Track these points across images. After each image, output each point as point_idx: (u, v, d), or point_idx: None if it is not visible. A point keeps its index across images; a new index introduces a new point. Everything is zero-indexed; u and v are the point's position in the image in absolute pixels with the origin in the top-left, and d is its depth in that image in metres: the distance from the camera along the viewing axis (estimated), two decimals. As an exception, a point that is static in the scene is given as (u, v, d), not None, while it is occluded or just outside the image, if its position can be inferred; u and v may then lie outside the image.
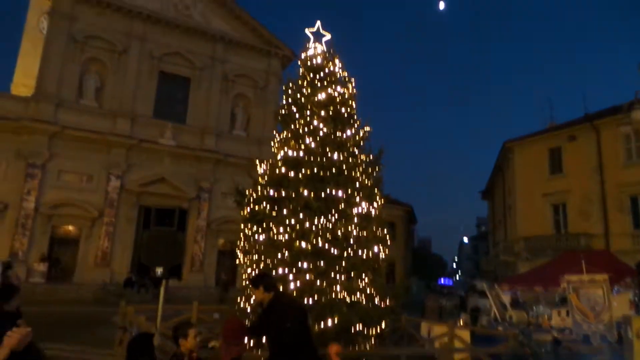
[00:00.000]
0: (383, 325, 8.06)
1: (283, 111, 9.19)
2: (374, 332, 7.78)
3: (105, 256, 25.13)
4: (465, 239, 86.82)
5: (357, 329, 7.39)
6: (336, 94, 8.91)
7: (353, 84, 9.41)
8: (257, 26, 32.83)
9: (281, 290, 5.52)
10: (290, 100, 9.12)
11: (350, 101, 9.15)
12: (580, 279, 7.60)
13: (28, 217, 23.38)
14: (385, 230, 8.68)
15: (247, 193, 8.62)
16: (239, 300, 7.88)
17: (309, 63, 9.28)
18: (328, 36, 9.63)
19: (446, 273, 70.71)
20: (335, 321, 7.10)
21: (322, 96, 8.75)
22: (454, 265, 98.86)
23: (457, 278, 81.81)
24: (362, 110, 9.72)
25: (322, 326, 7.03)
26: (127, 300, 11.86)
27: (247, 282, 4.72)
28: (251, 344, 6.65)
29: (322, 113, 8.60)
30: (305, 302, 7.13)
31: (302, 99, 8.92)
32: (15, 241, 22.87)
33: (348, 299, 7.56)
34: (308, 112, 8.68)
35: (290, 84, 9.30)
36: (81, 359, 9.35)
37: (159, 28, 29.28)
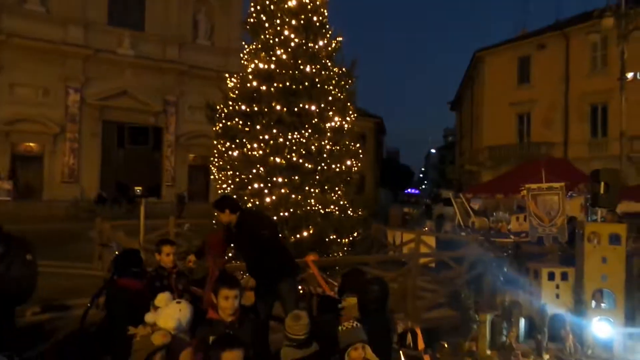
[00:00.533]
0: (355, 234, 8.51)
1: (251, 19, 8.68)
2: (346, 241, 8.23)
3: (73, 173, 24.61)
4: (433, 150, 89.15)
5: (331, 238, 7.79)
6: (307, 1, 8.42)
7: (325, -11, 8.87)
8: None
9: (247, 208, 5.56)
10: (258, 7, 8.57)
11: (321, 9, 8.69)
12: (539, 187, 8.05)
13: (-17, 135, 22.25)
14: (357, 144, 8.79)
15: (218, 108, 8.42)
16: (216, 214, 8.05)
17: (277, -35, 8.60)
18: None
19: (413, 183, 73.47)
20: (311, 232, 7.45)
21: (292, 3, 8.25)
22: (421, 175, 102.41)
23: (423, 187, 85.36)
24: (334, 19, 9.23)
25: (297, 237, 7.37)
26: (101, 216, 11.90)
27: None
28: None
29: (293, 22, 8.18)
30: (281, 214, 7.38)
31: (272, 5, 8.40)
32: (-26, 160, 21.97)
33: (322, 211, 7.85)
34: (278, 21, 8.24)
35: (258, -11, 8.68)
36: (61, 274, 9.55)
37: None
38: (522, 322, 2.98)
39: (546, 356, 2.78)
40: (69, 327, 6.17)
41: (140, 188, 4.07)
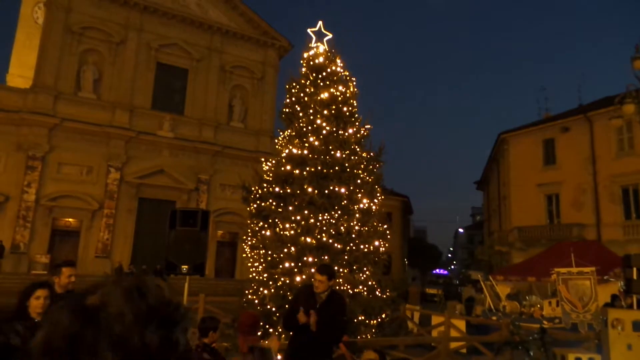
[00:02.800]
0: (383, 316, 8.48)
1: (287, 109, 9.48)
2: (375, 322, 8.20)
3: (106, 247, 25.42)
4: (461, 230, 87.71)
5: (359, 319, 7.80)
6: (338, 93, 9.22)
7: (354, 83, 9.70)
8: (254, 17, 32.82)
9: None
10: (293, 98, 9.41)
11: (351, 100, 9.46)
12: (569, 271, 8.04)
13: (29, 209, 23.58)
14: (385, 225, 9.06)
15: (253, 189, 8.95)
16: (246, 293, 8.27)
17: (311, 62, 9.56)
18: (329, 35, 9.89)
19: (441, 263, 71.58)
20: (339, 312, 7.49)
21: (324, 95, 9.04)
22: (449, 255, 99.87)
23: (452, 268, 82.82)
24: (362, 105, 9.99)
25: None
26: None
27: (318, 271, 4.66)
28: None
29: (325, 112, 8.91)
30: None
31: (305, 97, 9.22)
32: (17, 233, 23.10)
33: (350, 291, 7.96)
34: (311, 111, 8.99)
35: (294, 83, 9.58)
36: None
37: (156, 18, 29.25)
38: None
39: None
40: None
41: (186, 267, 4.42)
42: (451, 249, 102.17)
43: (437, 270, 54.75)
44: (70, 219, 25.42)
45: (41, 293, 3.32)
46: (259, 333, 4.22)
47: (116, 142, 26.53)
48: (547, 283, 14.46)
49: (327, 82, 9.29)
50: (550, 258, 14.62)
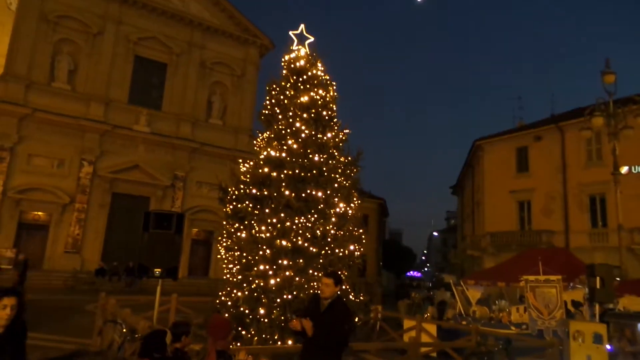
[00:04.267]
0: (356, 319, 8.55)
1: (266, 111, 9.45)
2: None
3: (76, 243, 24.79)
4: (435, 233, 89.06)
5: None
6: (318, 97, 9.25)
7: (334, 87, 9.75)
8: (236, 13, 32.54)
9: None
10: (273, 100, 9.39)
11: (331, 104, 9.50)
12: (536, 279, 8.32)
13: (-5, 201, 22.80)
14: (360, 229, 9.13)
15: (229, 190, 8.89)
16: (220, 294, 8.22)
17: (292, 65, 9.56)
18: (311, 39, 9.91)
19: (415, 265, 72.50)
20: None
21: (304, 99, 9.07)
22: (423, 258, 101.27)
23: (426, 270, 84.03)
24: (341, 113, 10.00)
25: (299, 320, 7.43)
26: (98, 289, 11.92)
27: (326, 275, 4.44)
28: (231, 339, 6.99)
29: (304, 115, 8.93)
30: (285, 297, 7.52)
31: (285, 100, 9.22)
32: (-19, 226, 22.29)
33: (324, 295, 7.98)
34: (290, 114, 9.00)
35: (274, 85, 9.56)
36: (60, 349, 9.46)
37: (135, 11, 28.67)
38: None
39: None
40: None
41: (159, 270, 4.33)
42: (425, 251, 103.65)
43: (411, 272, 55.46)
44: (39, 213, 24.68)
45: (7, 302, 3.02)
46: (229, 338, 4.16)
47: (90, 135, 25.88)
48: (516, 288, 14.85)
49: (308, 86, 9.31)
50: (519, 264, 14.99)
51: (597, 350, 3.12)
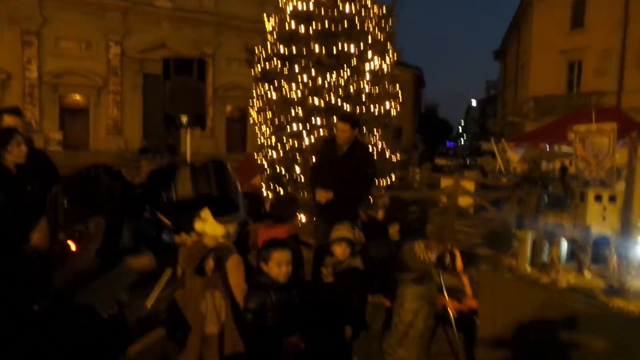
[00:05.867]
0: (393, 179, 8.52)
1: (289, -41, 8.42)
2: (384, 184, 8.25)
3: (117, 124, 25.52)
4: (474, 102, 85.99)
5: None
6: (346, -62, 8.05)
7: None
8: None
9: None
10: (296, -54, 8.28)
11: (361, -55, 8.30)
12: (588, 129, 7.72)
13: (33, 87, 23.24)
14: (397, 86, 8.62)
15: (256, 51, 8.39)
16: (255, 156, 8.27)
17: None
18: None
19: (452, 138, 71.71)
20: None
21: (331, -61, 7.92)
22: (460, 130, 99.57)
23: (462, 142, 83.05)
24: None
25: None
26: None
27: (341, 119, 4.17)
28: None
29: (332, -40, 7.89)
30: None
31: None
32: (26, 111, 23.05)
33: (360, 154, 7.85)
34: (316, -41, 7.97)
35: None
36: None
37: None
38: (564, 243, 2.97)
39: (588, 274, 2.78)
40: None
41: (185, 118, 4.17)
42: (462, 123, 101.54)
43: (448, 143, 55.06)
44: (77, 97, 25.15)
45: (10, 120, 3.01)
46: (257, 180, 3.95)
47: (112, 14, 24.96)
48: (557, 153, 14.28)
49: None
50: (565, 124, 14.27)
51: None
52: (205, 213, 3.21)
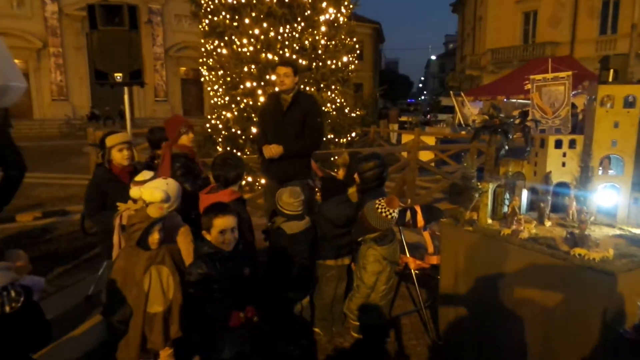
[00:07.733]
0: (353, 134, 8.34)
1: None
2: (344, 141, 8.07)
3: (62, 90, 23.90)
4: (433, 57, 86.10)
5: (328, 138, 7.62)
6: None
7: None
8: None
9: None
10: None
11: None
12: (544, 77, 7.70)
13: (-38, 51, 21.22)
14: (354, 39, 8.28)
15: (202, 2, 7.79)
16: (209, 117, 7.84)
17: None
18: None
19: (412, 94, 71.93)
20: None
21: None
22: (420, 85, 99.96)
23: (422, 98, 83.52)
24: None
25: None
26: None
27: (281, 64, 3.83)
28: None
29: None
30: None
31: None
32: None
33: (318, 110, 7.58)
34: None
35: None
36: (59, 184, 9.57)
37: None
38: (524, 193, 2.88)
39: (548, 223, 2.72)
40: (68, 230, 6.31)
41: (120, 74, 3.73)
42: (422, 78, 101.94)
43: (409, 100, 55.26)
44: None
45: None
46: (183, 136, 3.54)
47: (44, -34, 22.79)
48: (514, 105, 14.48)
49: None
50: (521, 75, 14.41)
51: (628, 115, 2.70)
52: (143, 174, 2.92)
